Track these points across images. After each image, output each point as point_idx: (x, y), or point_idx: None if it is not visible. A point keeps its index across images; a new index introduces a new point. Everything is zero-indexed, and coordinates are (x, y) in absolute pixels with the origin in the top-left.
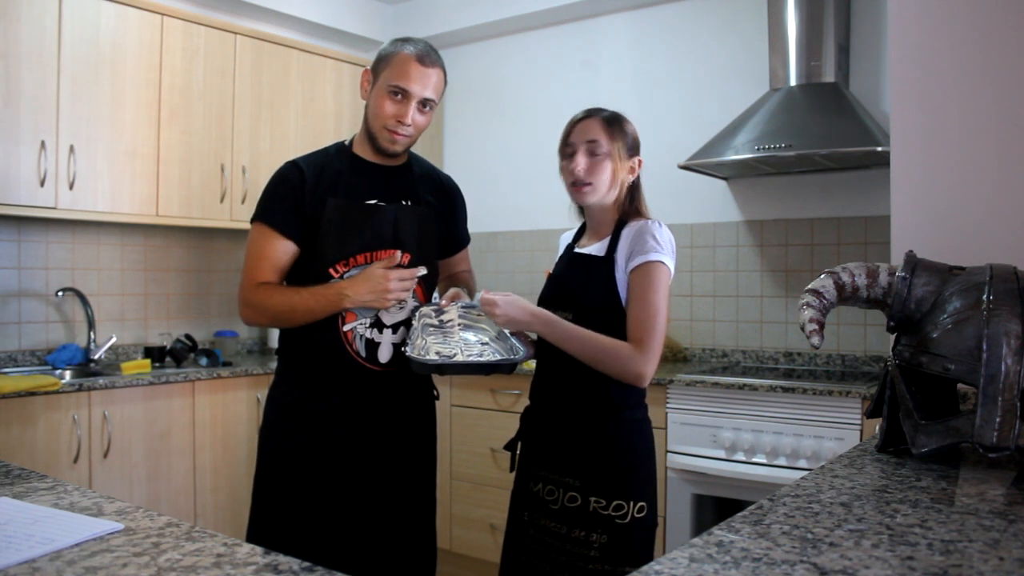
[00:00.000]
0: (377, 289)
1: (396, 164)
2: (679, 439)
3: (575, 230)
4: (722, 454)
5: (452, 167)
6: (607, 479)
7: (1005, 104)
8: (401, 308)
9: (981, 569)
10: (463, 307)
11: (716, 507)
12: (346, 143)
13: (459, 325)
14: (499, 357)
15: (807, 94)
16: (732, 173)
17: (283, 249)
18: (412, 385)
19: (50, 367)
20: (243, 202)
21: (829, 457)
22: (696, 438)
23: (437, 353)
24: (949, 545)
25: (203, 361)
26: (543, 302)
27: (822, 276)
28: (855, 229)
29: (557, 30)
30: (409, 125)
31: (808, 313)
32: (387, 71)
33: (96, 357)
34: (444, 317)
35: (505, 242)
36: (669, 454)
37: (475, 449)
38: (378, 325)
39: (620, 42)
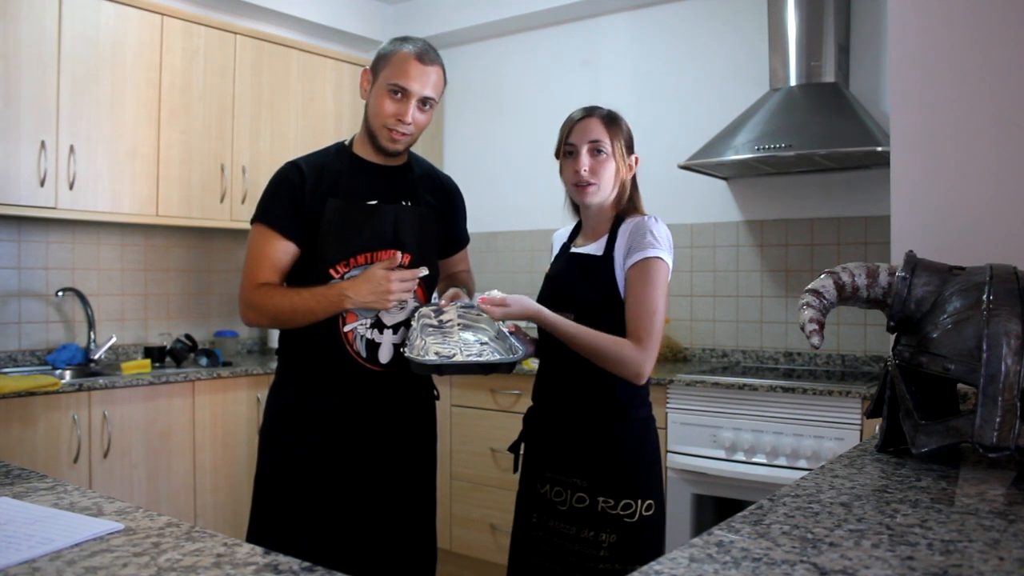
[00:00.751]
0: (379, 290)
1: (396, 164)
2: (679, 439)
3: (569, 229)
4: (722, 454)
5: (452, 167)
6: (615, 479)
7: (1005, 104)
8: (402, 309)
9: (981, 569)
10: (462, 307)
11: (716, 507)
12: (346, 143)
13: (458, 325)
14: (498, 357)
15: (807, 94)
16: (732, 173)
17: (283, 250)
18: (412, 385)
19: (50, 367)
20: (243, 202)
21: (829, 457)
22: (696, 438)
23: (436, 353)
24: (949, 545)
25: (203, 361)
26: (542, 302)
27: (822, 276)
28: (855, 229)
29: (557, 30)
30: (410, 124)
31: (808, 313)
32: (387, 70)
33: (96, 357)
34: (443, 318)
35: (505, 242)
36: (669, 454)
37: (475, 449)
38: (379, 326)
39: (620, 42)
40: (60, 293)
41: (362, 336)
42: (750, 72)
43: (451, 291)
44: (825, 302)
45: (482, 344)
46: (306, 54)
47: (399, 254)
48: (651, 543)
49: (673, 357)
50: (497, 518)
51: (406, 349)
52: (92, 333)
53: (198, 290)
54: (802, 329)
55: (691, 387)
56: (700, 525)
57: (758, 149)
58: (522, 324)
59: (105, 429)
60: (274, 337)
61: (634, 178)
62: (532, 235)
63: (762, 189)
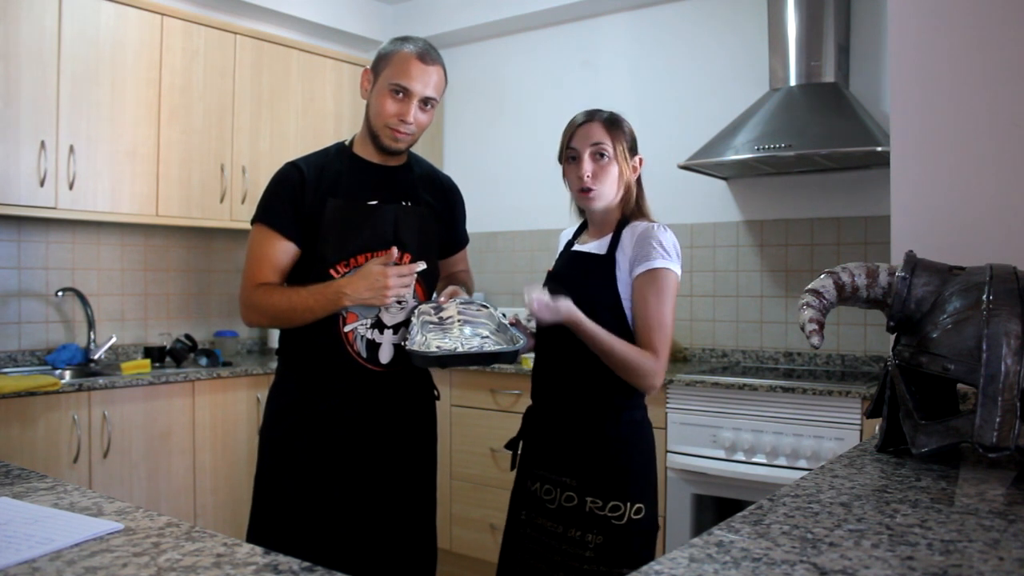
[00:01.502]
0: (376, 286)
1: (396, 164)
2: (679, 439)
3: (575, 227)
4: (722, 454)
5: (452, 167)
6: (604, 479)
7: (1005, 104)
8: (402, 308)
9: (981, 569)
10: (461, 303)
11: (716, 507)
12: (346, 143)
13: (458, 321)
14: (501, 347)
15: (807, 94)
16: (732, 173)
17: (283, 250)
18: (413, 385)
19: (50, 367)
20: (243, 202)
21: (829, 457)
22: (696, 438)
23: (437, 347)
24: (949, 545)
25: (203, 361)
26: None
27: (822, 276)
28: (855, 229)
29: (557, 30)
30: (411, 123)
31: (808, 313)
32: (388, 70)
33: (96, 357)
34: (443, 314)
35: (505, 242)
36: (669, 454)
37: (475, 449)
38: (379, 326)
39: (620, 42)
40: (60, 293)
41: (362, 336)
42: (750, 72)
43: (450, 288)
44: (825, 302)
45: (483, 338)
46: (306, 54)
47: (395, 249)
48: (641, 547)
49: (673, 357)
50: (497, 518)
51: (406, 343)
52: (92, 333)
53: (198, 290)
54: (802, 329)
55: (691, 387)
56: (700, 525)
57: (758, 149)
58: (523, 318)
59: (105, 429)
60: (274, 337)
61: (639, 179)
62: (532, 235)
63: (762, 189)
